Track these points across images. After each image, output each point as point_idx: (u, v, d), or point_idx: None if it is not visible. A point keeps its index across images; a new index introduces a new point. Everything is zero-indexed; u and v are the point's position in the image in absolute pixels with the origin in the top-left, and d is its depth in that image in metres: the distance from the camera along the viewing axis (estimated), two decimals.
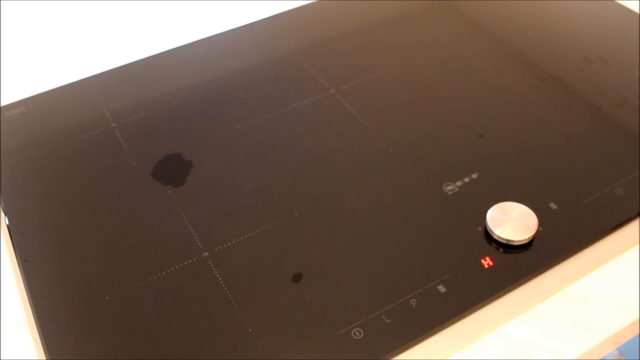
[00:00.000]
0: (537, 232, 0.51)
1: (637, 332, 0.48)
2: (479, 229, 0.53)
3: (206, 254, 0.53)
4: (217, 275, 0.52)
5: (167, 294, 0.51)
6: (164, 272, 0.52)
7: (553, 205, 0.54)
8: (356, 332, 0.47)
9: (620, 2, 0.78)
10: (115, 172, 0.61)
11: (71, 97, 0.71)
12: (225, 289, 0.51)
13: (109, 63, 0.75)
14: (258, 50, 0.76)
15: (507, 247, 0.51)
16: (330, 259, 0.52)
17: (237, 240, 0.54)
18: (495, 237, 0.51)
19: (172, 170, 0.61)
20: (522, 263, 0.51)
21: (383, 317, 0.48)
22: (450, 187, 0.57)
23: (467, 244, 0.52)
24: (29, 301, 0.51)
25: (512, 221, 0.52)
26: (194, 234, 0.55)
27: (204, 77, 0.73)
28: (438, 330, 0.47)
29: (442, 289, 0.49)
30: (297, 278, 0.51)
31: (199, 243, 0.54)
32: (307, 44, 0.76)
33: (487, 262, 0.51)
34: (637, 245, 0.52)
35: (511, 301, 0.49)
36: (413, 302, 0.48)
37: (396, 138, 0.62)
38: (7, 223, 0.57)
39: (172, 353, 0.47)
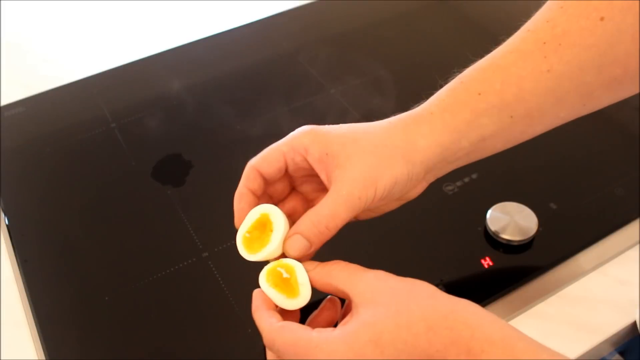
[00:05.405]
0: (537, 232, 0.51)
1: (637, 333, 0.48)
2: (479, 229, 0.53)
3: (206, 254, 0.53)
4: (217, 276, 0.51)
5: (166, 294, 0.51)
6: (163, 272, 0.52)
7: (553, 205, 0.54)
8: None
9: None
10: (115, 172, 0.61)
11: (71, 97, 0.71)
12: (225, 289, 0.51)
13: (109, 63, 0.75)
14: (258, 50, 0.76)
15: (507, 247, 0.51)
16: (329, 259, 0.52)
17: None
18: (495, 237, 0.51)
19: (172, 170, 0.61)
20: (522, 263, 0.51)
21: None
22: (450, 187, 0.57)
23: (467, 244, 0.52)
24: (29, 301, 0.51)
25: (512, 221, 0.52)
26: (193, 234, 0.55)
27: (204, 77, 0.73)
28: None
29: (441, 289, 0.49)
30: None
31: (199, 243, 0.54)
32: (307, 44, 0.76)
33: (487, 262, 0.51)
34: (637, 245, 0.52)
35: (511, 301, 0.49)
36: None
37: None
38: (7, 223, 0.57)
39: (171, 353, 0.47)
